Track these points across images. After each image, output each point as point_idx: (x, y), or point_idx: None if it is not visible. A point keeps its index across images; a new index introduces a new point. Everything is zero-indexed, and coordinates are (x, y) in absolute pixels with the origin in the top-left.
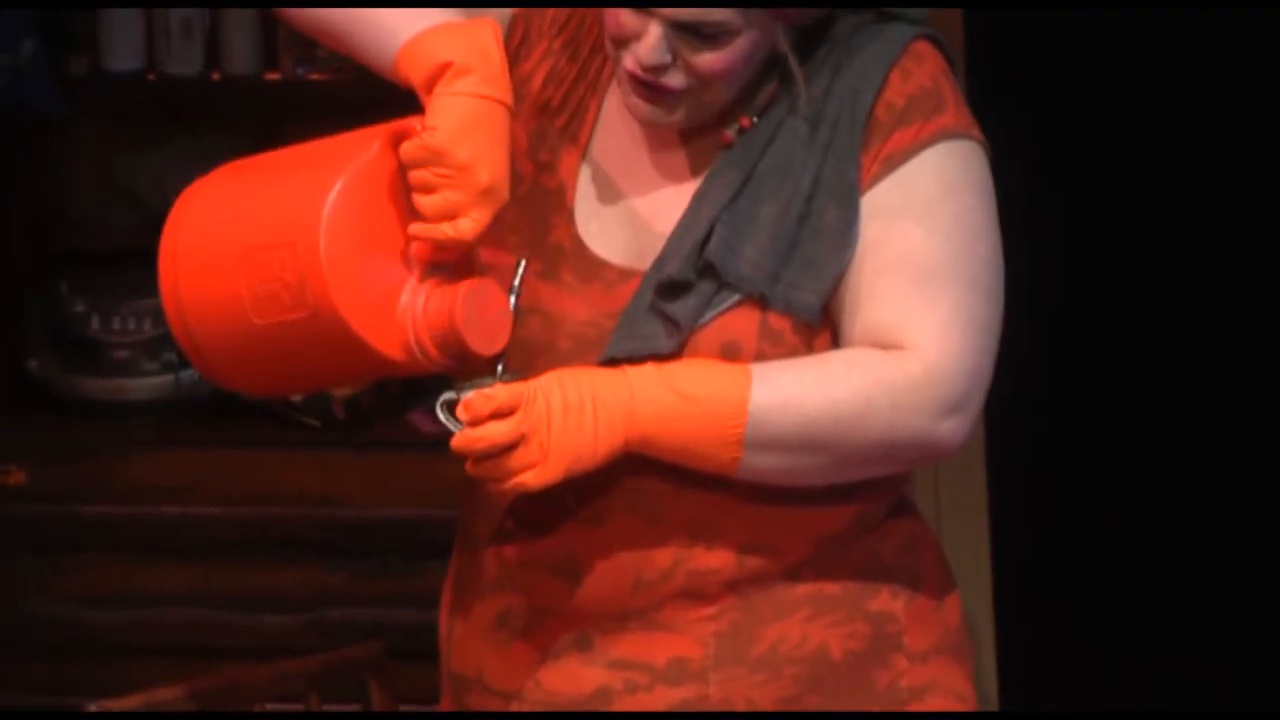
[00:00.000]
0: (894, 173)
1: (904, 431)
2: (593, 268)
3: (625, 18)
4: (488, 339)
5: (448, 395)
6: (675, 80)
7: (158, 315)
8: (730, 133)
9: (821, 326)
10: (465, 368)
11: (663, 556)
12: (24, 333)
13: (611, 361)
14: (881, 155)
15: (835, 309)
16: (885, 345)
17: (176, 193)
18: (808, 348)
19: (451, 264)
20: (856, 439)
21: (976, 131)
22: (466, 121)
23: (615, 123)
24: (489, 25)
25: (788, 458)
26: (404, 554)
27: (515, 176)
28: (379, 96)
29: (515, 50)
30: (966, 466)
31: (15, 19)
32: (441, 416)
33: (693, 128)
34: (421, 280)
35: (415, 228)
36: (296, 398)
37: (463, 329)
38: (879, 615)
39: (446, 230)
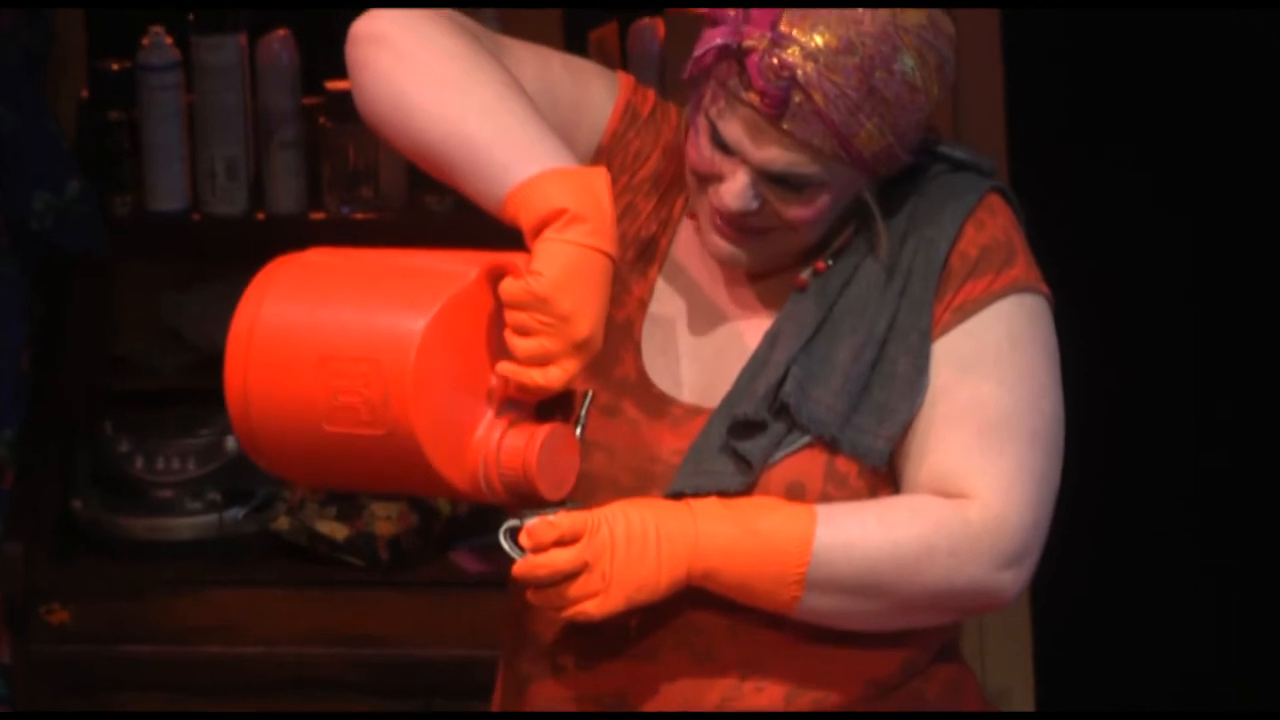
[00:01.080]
0: (965, 323)
1: (962, 580)
2: (658, 404)
3: (709, 153)
4: (557, 484)
5: (511, 523)
6: (758, 223)
7: (202, 455)
8: (805, 275)
9: (885, 472)
10: (525, 503)
11: (712, 694)
12: (69, 472)
13: (677, 496)
14: (954, 305)
15: (899, 454)
16: (948, 494)
17: (220, 333)
18: (871, 493)
19: (529, 404)
20: (915, 585)
21: (1044, 286)
22: (572, 271)
23: (684, 258)
24: (602, 175)
25: (847, 600)
26: (448, 694)
27: None
28: (422, 236)
29: (611, 162)
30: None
31: (60, 160)
32: (504, 544)
33: (766, 277)
34: (498, 415)
35: (504, 367)
36: (340, 537)
37: (536, 476)
38: None
39: (536, 378)
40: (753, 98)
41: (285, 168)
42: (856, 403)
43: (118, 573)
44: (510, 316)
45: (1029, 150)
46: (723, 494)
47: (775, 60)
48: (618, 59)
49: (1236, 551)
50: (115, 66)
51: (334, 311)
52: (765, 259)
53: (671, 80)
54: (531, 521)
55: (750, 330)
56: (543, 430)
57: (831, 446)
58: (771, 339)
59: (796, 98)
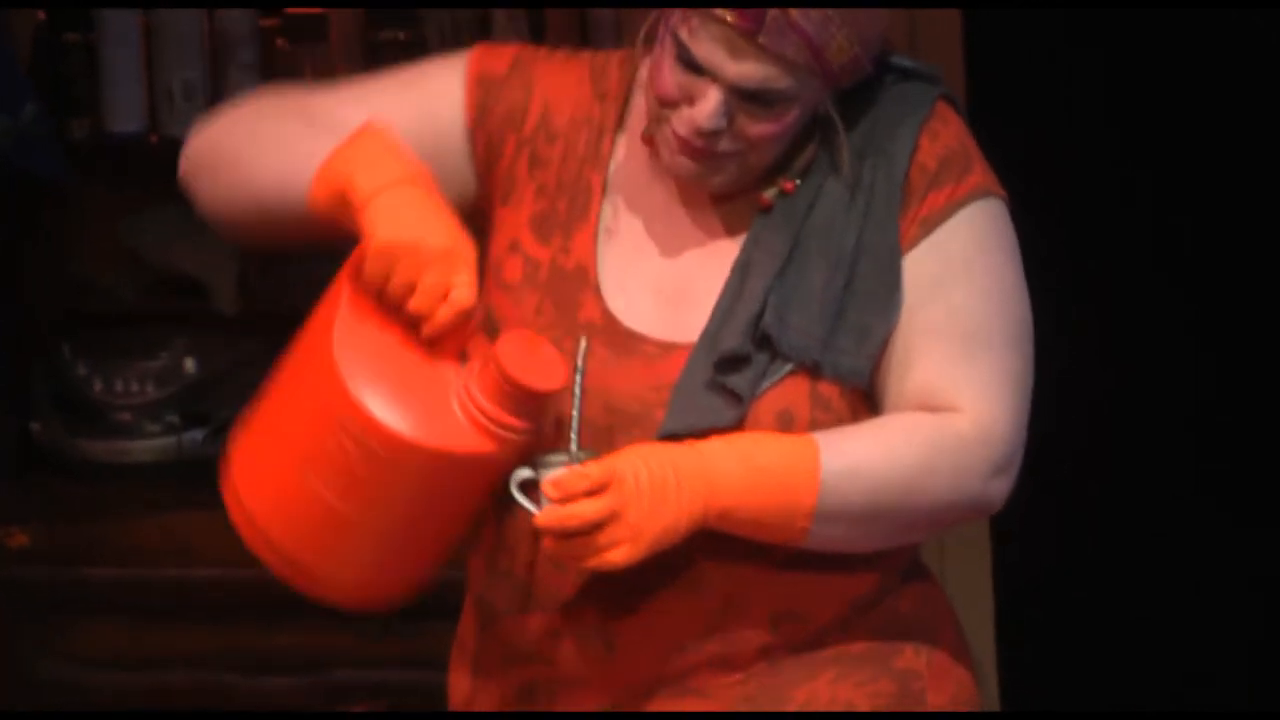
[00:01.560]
0: (931, 235)
1: (961, 494)
2: (629, 342)
3: (683, 81)
4: (545, 375)
5: (523, 474)
6: (725, 145)
7: (160, 378)
8: (769, 195)
9: (864, 390)
10: (543, 430)
11: (697, 625)
12: (27, 395)
13: (671, 436)
14: (919, 217)
15: (879, 372)
16: (932, 407)
17: (179, 255)
18: (854, 411)
19: (471, 346)
20: (919, 504)
21: (1000, 189)
22: (387, 212)
23: (630, 194)
24: (366, 129)
25: (854, 525)
26: (407, 615)
27: (530, 263)
28: None
29: (485, 157)
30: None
31: (16, 82)
32: (517, 496)
33: (721, 199)
34: (458, 374)
35: (426, 330)
36: None
37: (513, 372)
38: (903, 673)
39: (445, 313)
40: (727, 14)
41: (243, 89)
42: (834, 326)
43: (77, 495)
44: (389, 288)
45: (991, 150)
46: (715, 430)
47: None
48: None
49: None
50: None
51: (279, 433)
52: (729, 178)
53: None
54: (558, 472)
55: (714, 260)
56: (498, 340)
57: (814, 371)
58: (742, 269)
59: (772, 12)
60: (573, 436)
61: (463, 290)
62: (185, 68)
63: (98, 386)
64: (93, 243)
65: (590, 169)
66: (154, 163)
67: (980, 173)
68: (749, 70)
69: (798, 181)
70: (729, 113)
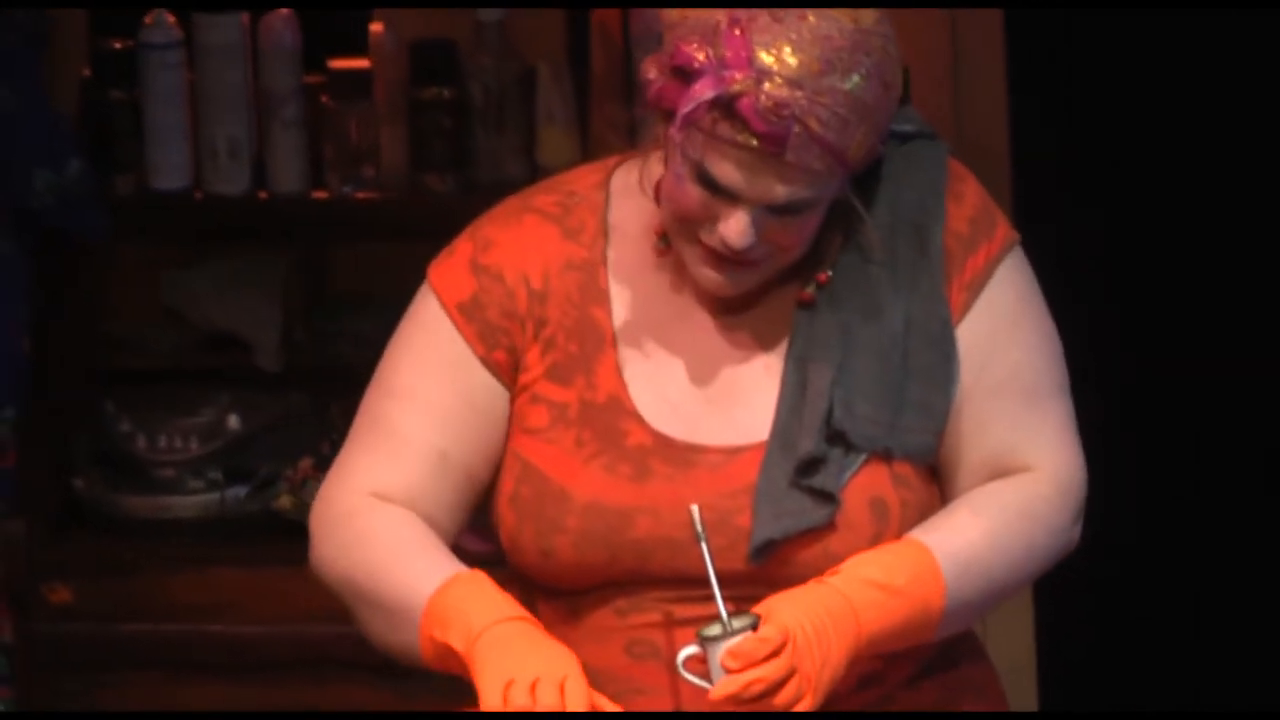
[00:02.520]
0: (979, 298)
1: (1053, 550)
2: (686, 455)
3: (706, 200)
4: None
5: (689, 651)
6: (757, 254)
7: (203, 434)
8: (809, 290)
9: (933, 462)
10: None
11: None
12: (71, 452)
13: (767, 544)
14: (964, 283)
15: (948, 440)
16: (1008, 469)
17: (221, 312)
18: (927, 484)
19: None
20: (1024, 574)
21: (1016, 232)
22: (489, 653)
23: (642, 315)
24: (455, 583)
25: (973, 612)
26: (449, 674)
27: (555, 406)
28: (424, 216)
29: (509, 362)
30: None
31: (61, 139)
32: (688, 677)
33: (732, 295)
34: None
35: None
36: None
37: None
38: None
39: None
40: (751, 140)
41: (287, 147)
42: (897, 408)
43: (119, 551)
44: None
45: (1031, 150)
46: (812, 530)
47: (769, 101)
48: (619, 39)
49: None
50: (117, 45)
51: None
52: (759, 282)
53: None
54: (733, 642)
55: (750, 354)
56: None
57: (885, 455)
58: (798, 365)
59: (795, 129)
60: (719, 603)
61: (575, 689)
62: (230, 125)
63: (140, 443)
64: (136, 299)
65: (592, 306)
66: (198, 220)
67: (1002, 223)
68: (777, 190)
69: (830, 272)
70: (759, 228)
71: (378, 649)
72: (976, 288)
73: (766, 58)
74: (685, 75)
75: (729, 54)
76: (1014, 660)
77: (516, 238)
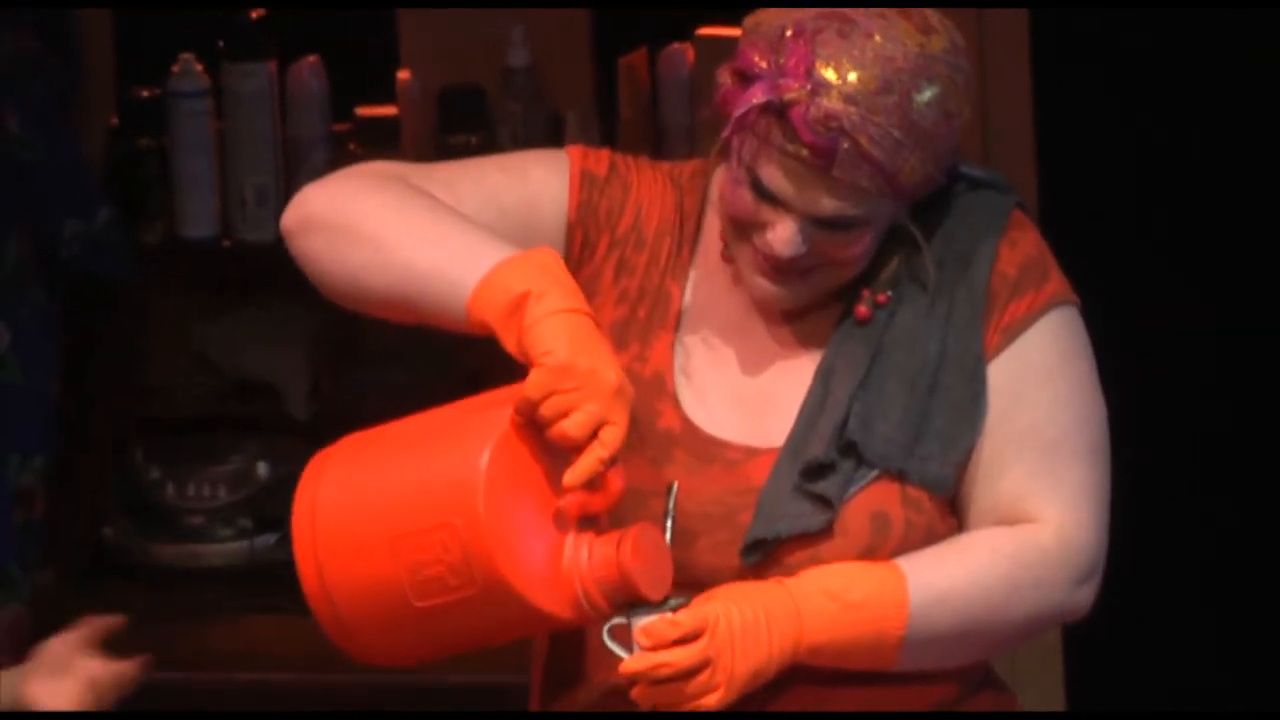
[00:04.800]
0: (1014, 343)
1: (1046, 607)
2: (709, 448)
3: (756, 206)
4: (656, 581)
5: (616, 620)
6: (808, 263)
7: (232, 481)
8: (865, 307)
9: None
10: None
11: None
12: (100, 500)
13: (759, 542)
14: (1001, 326)
15: (964, 479)
16: (1017, 517)
17: (251, 360)
18: (943, 513)
19: (600, 515)
20: (1005, 623)
21: (1074, 296)
22: (571, 334)
23: (707, 303)
24: (546, 250)
25: (942, 650)
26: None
27: None
28: None
29: (579, 256)
30: None
31: (89, 187)
32: (609, 644)
33: (790, 309)
34: (579, 535)
35: (570, 474)
36: None
37: (634, 576)
38: None
39: (600, 451)
40: (800, 150)
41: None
42: (919, 432)
43: (149, 599)
44: (546, 407)
45: (1057, 151)
46: (804, 535)
47: (820, 112)
48: (647, 85)
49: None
50: (145, 94)
51: (389, 489)
52: (810, 296)
53: (700, 105)
54: (650, 619)
55: (794, 368)
56: (629, 532)
57: (900, 478)
58: (825, 376)
59: (844, 145)
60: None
61: (615, 431)
62: (258, 173)
63: (170, 491)
64: (164, 347)
65: (670, 278)
66: (226, 268)
67: (1057, 280)
68: (824, 203)
69: (890, 293)
70: (807, 239)
71: (334, 284)
72: (1013, 333)
73: (825, 70)
74: (745, 79)
75: (789, 63)
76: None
77: (650, 179)
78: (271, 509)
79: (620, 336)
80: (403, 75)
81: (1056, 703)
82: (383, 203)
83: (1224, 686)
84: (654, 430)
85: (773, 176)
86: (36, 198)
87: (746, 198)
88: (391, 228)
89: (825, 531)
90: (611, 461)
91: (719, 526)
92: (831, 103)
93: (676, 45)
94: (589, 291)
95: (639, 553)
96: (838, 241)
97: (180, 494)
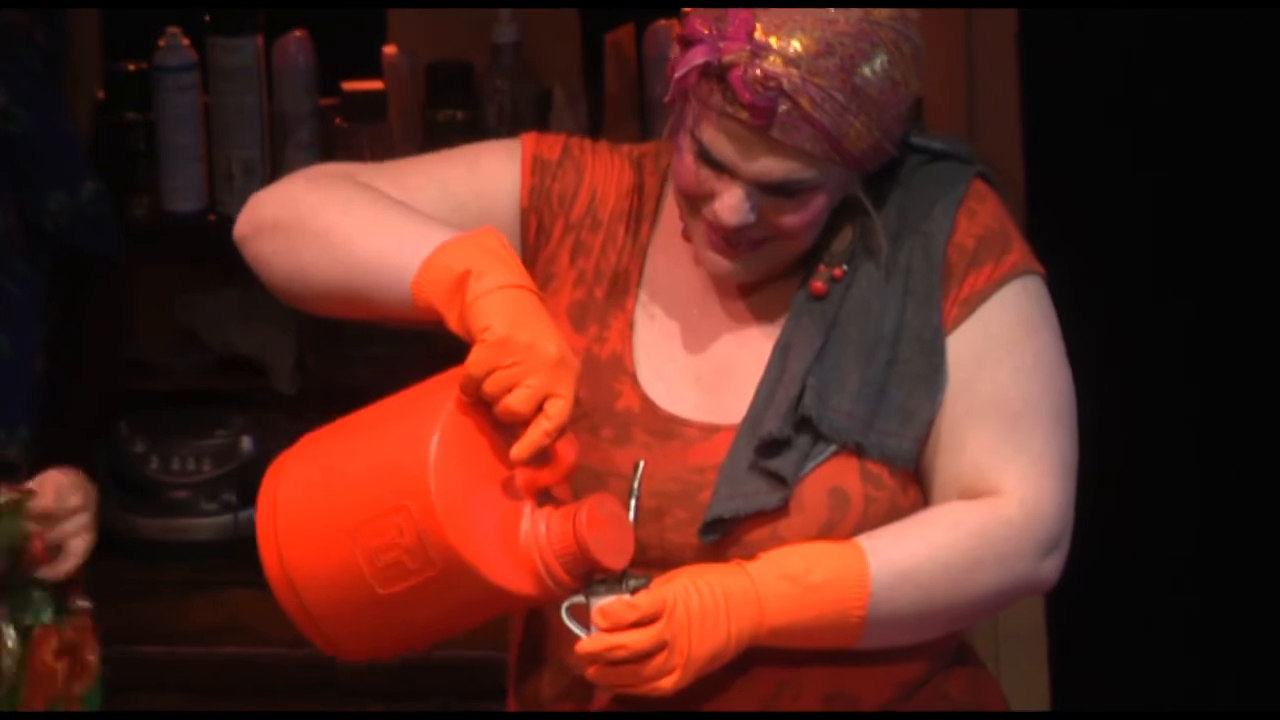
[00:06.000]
0: (973, 315)
1: (1010, 579)
2: (668, 426)
3: (704, 176)
4: (616, 551)
5: (574, 599)
6: (757, 234)
7: (217, 456)
8: (820, 282)
9: (913, 468)
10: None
11: (750, 708)
12: (85, 473)
13: (717, 521)
14: (960, 298)
15: (925, 453)
16: (980, 489)
17: (236, 334)
18: (904, 487)
19: (557, 490)
20: (968, 597)
21: (1039, 265)
22: (511, 309)
23: (664, 282)
24: (489, 230)
25: (905, 626)
26: (464, 695)
27: None
28: None
29: (535, 240)
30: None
31: (76, 161)
32: (567, 622)
33: (747, 286)
34: (536, 510)
35: (517, 448)
36: None
37: (591, 546)
38: None
39: (545, 424)
40: (740, 112)
41: (302, 167)
42: (876, 406)
43: (133, 573)
44: (489, 384)
45: (1044, 148)
46: (761, 513)
47: (759, 72)
48: (633, 62)
49: (1247, 548)
50: (131, 68)
51: (344, 480)
52: (764, 270)
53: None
54: (607, 601)
55: (752, 344)
56: (585, 503)
57: (858, 452)
58: (782, 352)
59: (784, 106)
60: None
61: (560, 404)
62: (244, 147)
63: (154, 465)
64: (150, 321)
65: (628, 259)
66: (212, 242)
67: (1019, 250)
68: (767, 166)
69: (845, 266)
70: (755, 206)
71: (288, 283)
72: (972, 304)
73: (766, 35)
74: (687, 44)
75: (730, 28)
76: (1028, 675)
77: (606, 162)
78: (256, 484)
79: (579, 318)
80: (390, 50)
81: (1040, 681)
82: (328, 199)
83: (1206, 666)
84: (612, 410)
85: (715, 140)
86: (22, 171)
87: (693, 167)
88: (337, 223)
89: (782, 509)
90: (559, 433)
91: (678, 505)
92: (771, 64)
93: (663, 22)
94: (547, 275)
95: (595, 523)
96: (785, 209)
97: (165, 468)
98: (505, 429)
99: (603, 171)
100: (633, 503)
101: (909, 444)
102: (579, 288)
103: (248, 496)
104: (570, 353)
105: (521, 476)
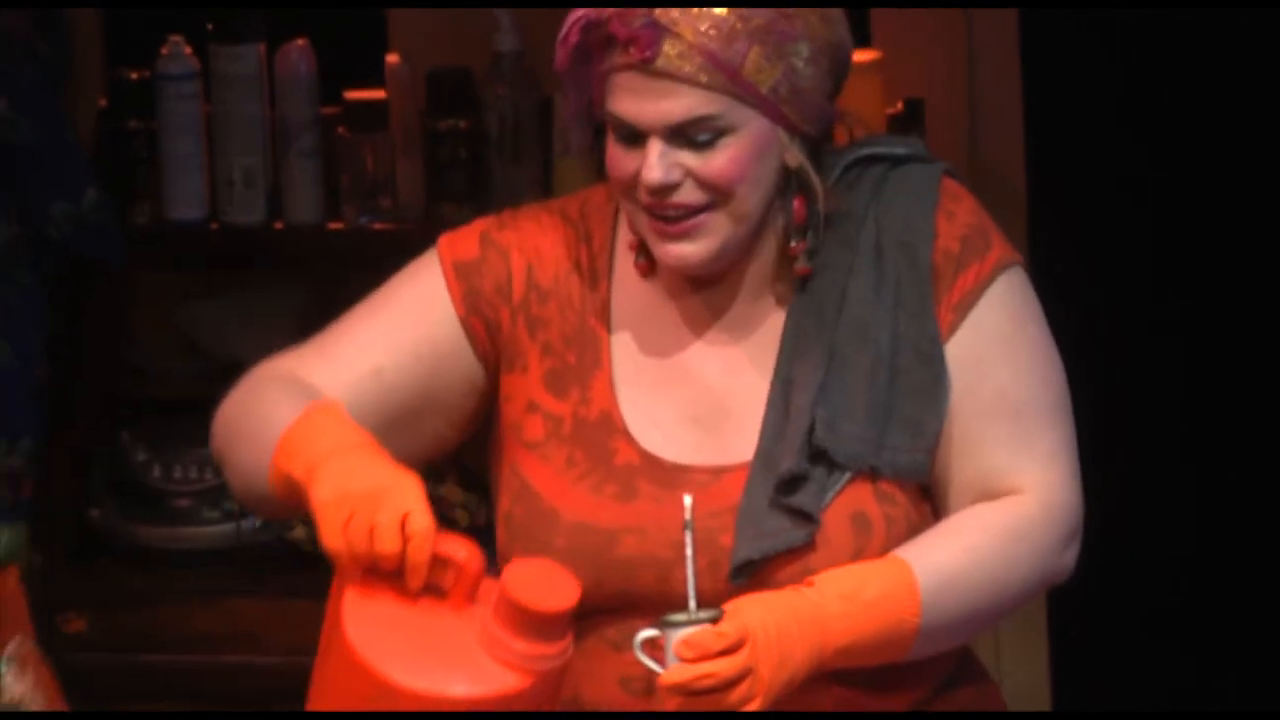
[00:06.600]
0: (967, 318)
1: (1041, 572)
2: (673, 475)
3: (622, 155)
4: (557, 595)
5: (647, 633)
6: (692, 197)
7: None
8: (800, 265)
9: (923, 481)
10: (548, 635)
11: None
12: (87, 482)
13: (746, 564)
14: (951, 304)
15: (936, 462)
16: (998, 490)
17: (238, 342)
18: (915, 502)
19: (481, 589)
20: (1007, 595)
21: (1017, 254)
22: (325, 476)
23: (638, 331)
24: (309, 407)
25: (952, 632)
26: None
27: (550, 419)
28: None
29: (488, 338)
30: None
31: (78, 169)
32: (642, 658)
33: (734, 310)
34: (476, 620)
35: (408, 576)
36: None
37: (524, 600)
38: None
39: (415, 544)
40: (627, 55)
41: (303, 177)
42: (885, 424)
43: (135, 581)
44: (349, 543)
45: (1046, 149)
46: (790, 550)
47: (637, 12)
48: None
49: (1250, 547)
50: (134, 76)
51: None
52: (719, 248)
53: None
54: (690, 631)
55: (743, 374)
56: (499, 578)
57: (872, 473)
58: (783, 385)
59: (667, 40)
60: (690, 594)
61: (417, 518)
62: (246, 155)
63: (156, 473)
64: (151, 329)
65: (592, 316)
66: (214, 250)
67: (999, 244)
68: (668, 106)
69: (806, 257)
70: (674, 163)
71: (239, 501)
72: (965, 308)
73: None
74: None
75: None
76: (1029, 680)
77: (533, 230)
78: None
79: (557, 386)
80: (391, 58)
81: (1041, 685)
82: (240, 402)
83: (1207, 666)
84: (613, 467)
85: (619, 102)
86: (25, 179)
87: (616, 150)
88: (239, 425)
89: (809, 543)
90: (429, 543)
91: (699, 552)
92: (647, 9)
93: None
94: (511, 359)
95: (519, 581)
96: (707, 158)
97: (167, 476)
98: (399, 575)
99: (532, 240)
100: (688, 535)
101: (921, 457)
102: (548, 357)
103: None
104: (401, 474)
105: (439, 599)
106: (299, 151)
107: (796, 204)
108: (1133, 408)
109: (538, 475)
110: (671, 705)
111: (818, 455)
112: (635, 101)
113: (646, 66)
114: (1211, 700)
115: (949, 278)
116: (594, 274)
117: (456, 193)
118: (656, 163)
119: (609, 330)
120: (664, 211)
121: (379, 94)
